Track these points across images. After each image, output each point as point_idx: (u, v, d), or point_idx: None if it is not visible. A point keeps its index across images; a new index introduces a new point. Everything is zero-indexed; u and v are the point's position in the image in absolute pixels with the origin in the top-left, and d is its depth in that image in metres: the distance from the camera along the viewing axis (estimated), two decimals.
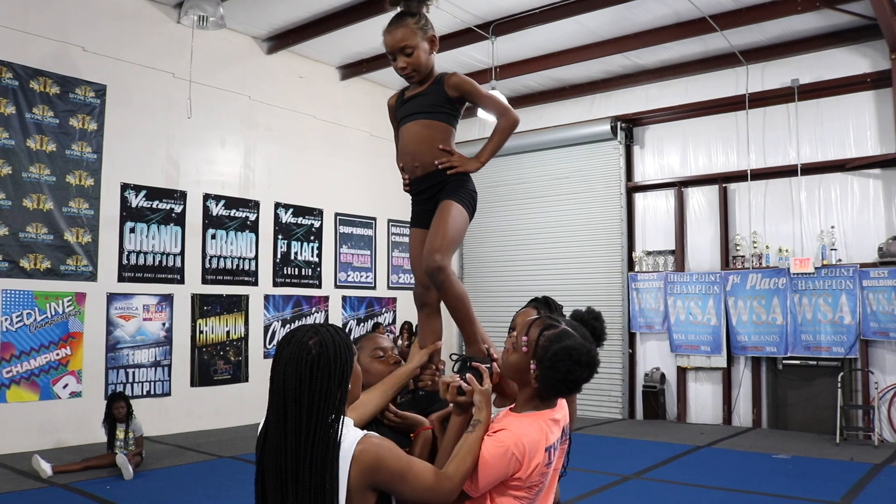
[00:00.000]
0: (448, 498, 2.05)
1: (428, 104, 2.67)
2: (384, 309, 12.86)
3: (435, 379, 2.55)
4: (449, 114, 2.68)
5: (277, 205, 11.35)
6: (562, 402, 2.33)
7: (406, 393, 2.57)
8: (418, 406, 2.51)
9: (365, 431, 2.00)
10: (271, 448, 1.95)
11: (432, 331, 2.67)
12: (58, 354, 8.74)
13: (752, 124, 10.98)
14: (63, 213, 8.88)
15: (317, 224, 11.96)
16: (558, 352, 2.13)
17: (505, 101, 2.83)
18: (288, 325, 11.28)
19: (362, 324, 12.51)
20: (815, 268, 10.19)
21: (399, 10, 2.66)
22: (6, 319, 8.37)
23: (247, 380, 10.70)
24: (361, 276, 12.69)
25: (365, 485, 1.95)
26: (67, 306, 8.87)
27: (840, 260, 10.15)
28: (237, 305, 10.72)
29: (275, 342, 11.08)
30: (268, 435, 1.98)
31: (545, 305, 2.88)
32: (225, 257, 10.59)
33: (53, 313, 8.75)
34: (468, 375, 2.25)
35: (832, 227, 10.27)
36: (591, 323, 2.30)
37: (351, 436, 1.96)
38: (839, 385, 9.59)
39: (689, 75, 11.56)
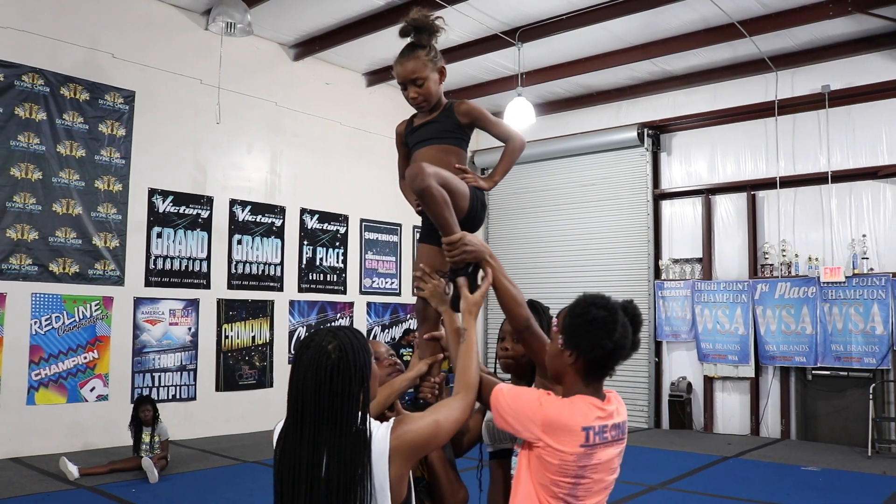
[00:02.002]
0: (470, 411, 2.24)
1: (440, 130, 2.80)
2: (409, 315, 12.84)
3: (434, 392, 2.66)
4: (460, 138, 2.83)
5: (303, 210, 11.40)
6: (613, 399, 2.32)
7: (406, 400, 2.67)
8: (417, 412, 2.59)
9: (388, 423, 2.05)
10: (289, 449, 2.00)
11: (430, 345, 2.74)
12: (85, 358, 8.83)
13: (782, 131, 10.85)
14: (91, 217, 8.98)
15: (342, 230, 11.99)
16: (576, 300, 2.24)
17: (512, 126, 2.97)
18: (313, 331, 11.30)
19: (387, 330, 12.52)
20: (846, 277, 10.03)
21: (410, 40, 2.76)
22: (35, 322, 8.47)
23: (272, 385, 10.73)
24: (386, 283, 12.70)
25: (406, 469, 2.06)
26: (95, 310, 8.96)
27: (872, 269, 9.98)
28: (262, 311, 10.76)
29: None
30: (286, 436, 2.03)
31: (532, 309, 2.86)
32: (251, 263, 10.65)
33: (81, 317, 8.84)
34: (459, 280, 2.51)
35: (863, 236, 10.10)
36: (622, 305, 2.33)
37: (380, 432, 2.01)
38: (871, 396, 9.40)
39: (718, 81, 11.45)
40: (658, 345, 11.81)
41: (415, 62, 2.71)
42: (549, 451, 2.14)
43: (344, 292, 11.96)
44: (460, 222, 2.61)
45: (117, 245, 9.21)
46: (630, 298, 2.38)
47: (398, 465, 2.00)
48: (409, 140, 2.89)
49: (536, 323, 2.55)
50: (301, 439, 1.97)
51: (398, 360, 2.73)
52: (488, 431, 2.73)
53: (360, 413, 1.99)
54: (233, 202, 10.48)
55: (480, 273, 2.55)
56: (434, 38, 2.75)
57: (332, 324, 11.57)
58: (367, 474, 1.94)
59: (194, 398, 9.86)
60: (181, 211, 9.88)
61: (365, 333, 11.14)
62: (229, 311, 10.35)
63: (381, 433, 2.00)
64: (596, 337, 2.16)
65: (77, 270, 8.82)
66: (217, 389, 10.14)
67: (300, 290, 11.30)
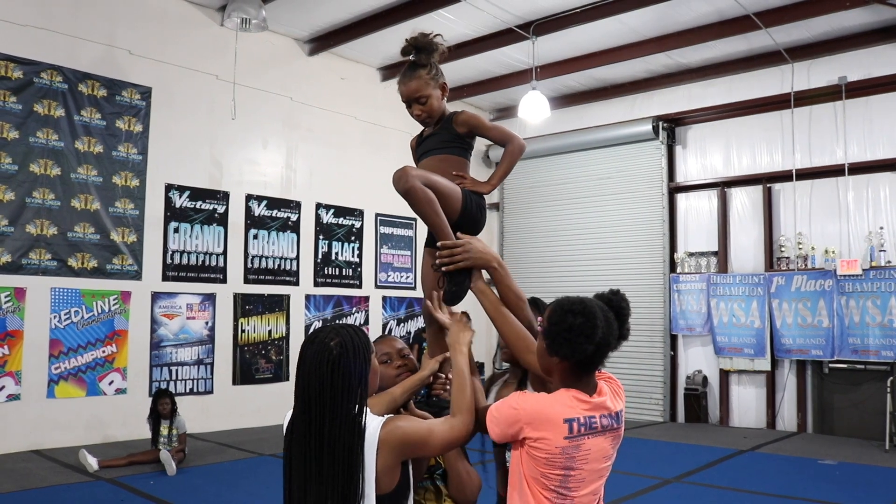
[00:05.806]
0: (465, 434, 2.27)
1: (440, 141, 2.91)
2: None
3: (446, 388, 2.72)
4: (461, 147, 2.92)
5: (318, 205, 11.44)
6: (605, 390, 2.32)
7: (419, 398, 2.74)
8: (430, 410, 2.71)
9: (385, 416, 2.19)
10: (298, 437, 2.15)
11: (441, 345, 2.79)
12: (104, 352, 8.93)
13: (798, 123, 10.78)
14: (109, 213, 9.06)
15: (357, 224, 12.03)
16: (553, 307, 2.25)
17: (510, 130, 3.03)
18: None
19: (402, 324, 12.56)
20: (863, 269, 9.95)
21: (411, 59, 2.87)
22: (55, 317, 8.57)
23: (287, 379, 10.78)
24: (402, 277, 12.74)
25: (394, 462, 2.15)
26: (113, 304, 9.05)
27: (889, 262, 9.90)
28: (278, 305, 10.83)
29: None
30: (294, 425, 2.18)
31: (534, 305, 2.90)
32: (267, 257, 10.71)
33: (100, 311, 8.93)
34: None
35: (881, 228, 10.03)
36: (608, 297, 2.36)
37: (373, 424, 2.14)
38: (888, 390, 9.33)
39: (733, 74, 11.39)
40: (673, 338, 11.78)
41: (417, 82, 2.84)
42: (534, 446, 2.18)
43: (359, 286, 12.01)
44: (454, 224, 2.70)
45: (135, 240, 9.29)
46: (617, 289, 2.40)
47: (384, 456, 2.11)
48: (418, 151, 3.01)
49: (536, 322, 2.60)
50: (308, 428, 2.11)
51: (412, 360, 2.80)
52: None
53: (357, 405, 2.12)
54: (249, 197, 10.55)
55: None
56: (434, 57, 2.85)
57: (348, 318, 11.64)
58: (361, 463, 2.08)
59: (211, 392, 9.95)
60: (198, 206, 9.95)
61: (381, 327, 11.11)
62: (246, 306, 10.42)
63: (374, 425, 2.13)
64: (576, 343, 2.17)
65: (95, 265, 8.91)
66: (234, 383, 10.22)
67: (316, 284, 11.35)
